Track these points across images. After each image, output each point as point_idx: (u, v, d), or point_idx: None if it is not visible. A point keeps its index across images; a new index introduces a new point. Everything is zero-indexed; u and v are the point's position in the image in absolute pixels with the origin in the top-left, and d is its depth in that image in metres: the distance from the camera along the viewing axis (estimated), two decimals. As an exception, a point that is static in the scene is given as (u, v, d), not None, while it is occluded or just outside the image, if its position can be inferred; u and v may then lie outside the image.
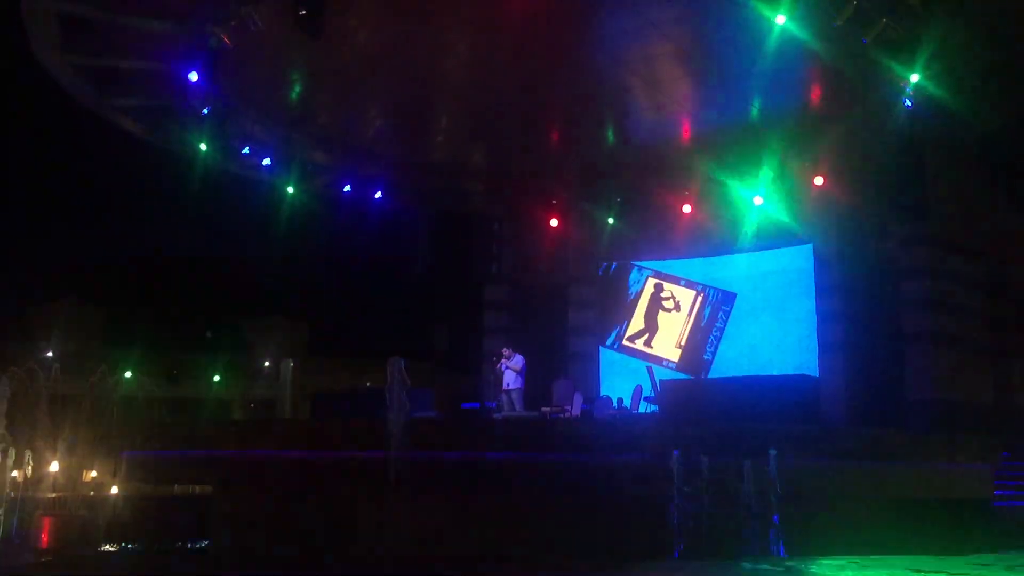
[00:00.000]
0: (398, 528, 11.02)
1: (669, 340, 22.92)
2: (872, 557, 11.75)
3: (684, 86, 17.86)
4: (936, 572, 10.77)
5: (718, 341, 22.46)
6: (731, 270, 22.31)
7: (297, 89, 18.81)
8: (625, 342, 23.31)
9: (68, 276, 38.31)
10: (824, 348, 20.14)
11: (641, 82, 17.59)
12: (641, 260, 23.40)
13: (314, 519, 12.55)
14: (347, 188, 22.04)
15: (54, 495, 13.82)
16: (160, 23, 15.50)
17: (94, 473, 17.17)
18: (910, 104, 16.01)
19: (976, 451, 14.59)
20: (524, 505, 12.21)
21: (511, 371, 18.14)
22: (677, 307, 23.15)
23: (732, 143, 19.77)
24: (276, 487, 13.06)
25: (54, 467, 14.31)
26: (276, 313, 43.43)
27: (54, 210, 35.19)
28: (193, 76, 16.03)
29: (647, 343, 23.08)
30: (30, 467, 14.50)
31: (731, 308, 22.51)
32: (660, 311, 23.34)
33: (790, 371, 19.97)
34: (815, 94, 17.83)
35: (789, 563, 11.02)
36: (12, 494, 13.86)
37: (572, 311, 23.62)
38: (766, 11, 13.94)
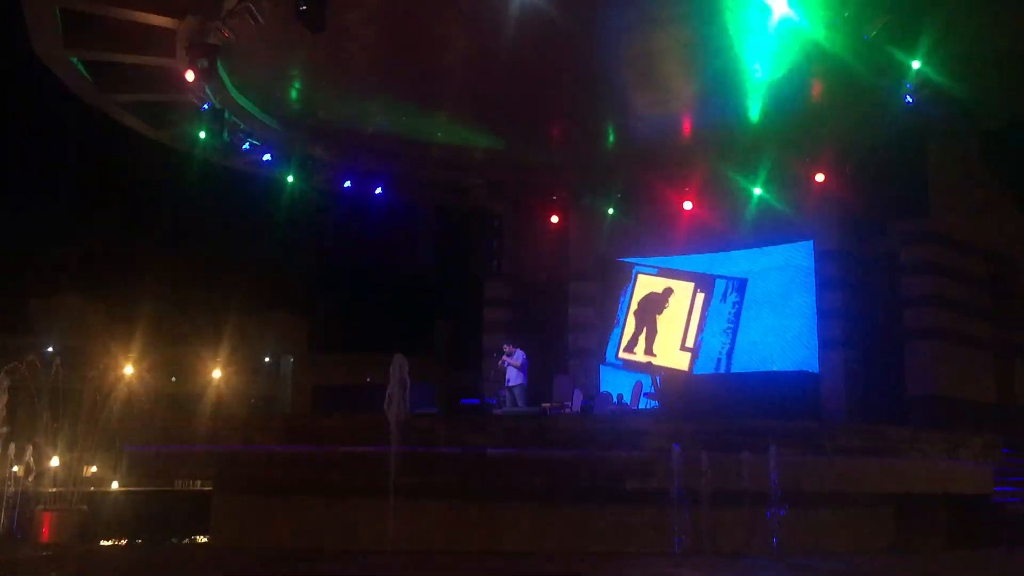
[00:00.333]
0: (398, 523, 11.02)
1: (672, 343, 22.54)
2: (872, 554, 11.77)
3: (685, 82, 17.80)
4: (936, 569, 10.78)
5: (732, 340, 21.95)
6: (732, 266, 22.29)
7: (298, 84, 18.80)
8: (623, 354, 22.92)
9: (69, 270, 38.36)
10: (825, 344, 20.15)
11: (642, 78, 17.55)
12: (642, 256, 23.37)
13: (314, 514, 12.56)
14: (348, 184, 22.03)
15: (54, 490, 13.82)
16: (161, 18, 15.48)
17: (95, 468, 17.20)
18: (911, 100, 15.99)
19: (977, 447, 14.57)
20: (524, 501, 12.21)
21: (512, 367, 18.14)
22: (667, 301, 22.90)
23: (733, 139, 19.76)
24: (276, 482, 13.06)
25: (54, 462, 14.31)
26: (276, 308, 43.44)
27: (55, 204, 35.18)
28: (189, 76, 16.01)
29: (648, 350, 22.70)
30: (31, 461, 14.51)
31: (742, 299, 22.04)
32: (656, 311, 23.06)
33: (791, 367, 20.01)
34: (816, 89, 17.78)
35: (788, 558, 11.03)
36: (12, 489, 13.87)
37: (572, 307, 23.62)
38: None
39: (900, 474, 12.98)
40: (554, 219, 23.14)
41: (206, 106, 17.45)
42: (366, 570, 10.24)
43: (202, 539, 14.60)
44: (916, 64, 14.76)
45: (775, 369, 20.55)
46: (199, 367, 40.90)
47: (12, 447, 14.13)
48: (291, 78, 18.44)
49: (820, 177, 19.70)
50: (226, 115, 18.07)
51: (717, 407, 14.64)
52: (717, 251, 22.46)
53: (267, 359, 43.56)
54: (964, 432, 15.29)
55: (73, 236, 36.93)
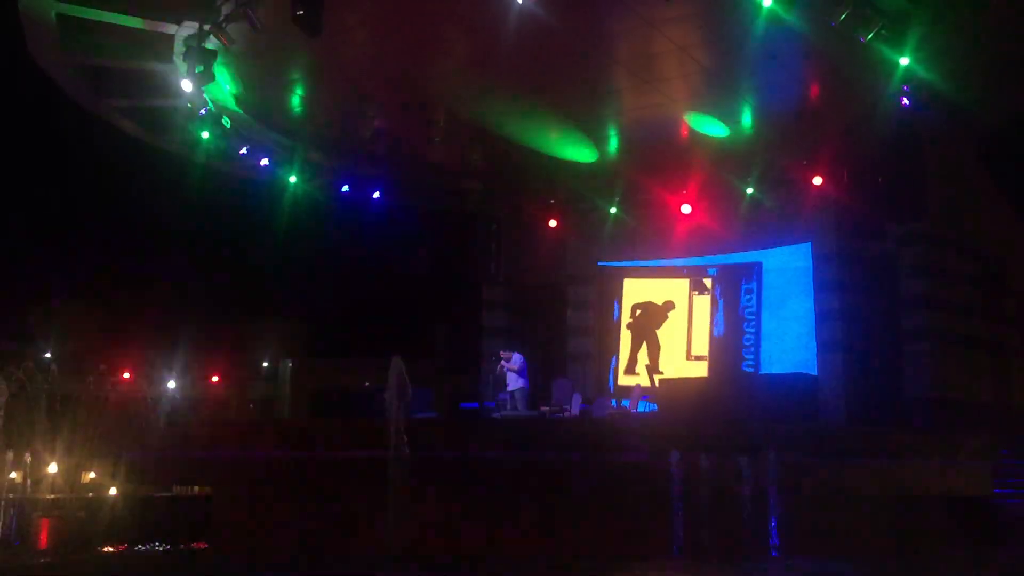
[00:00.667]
0: (397, 528, 11.01)
1: (678, 355, 22.16)
2: (872, 556, 11.77)
3: (681, 85, 17.80)
4: (935, 571, 10.78)
5: (756, 335, 21.40)
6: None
7: (295, 89, 18.79)
8: (624, 379, 22.22)
9: (66, 276, 38.26)
10: (823, 346, 20.14)
11: (639, 81, 17.55)
12: (639, 260, 23.35)
13: (313, 519, 12.55)
14: (345, 188, 22.02)
15: (52, 496, 13.80)
16: (158, 24, 15.47)
17: (93, 474, 17.14)
18: (908, 102, 16.01)
19: (975, 449, 14.60)
20: (523, 505, 12.20)
21: (511, 372, 18.14)
22: (666, 314, 22.63)
23: (730, 142, 19.77)
24: (275, 487, 13.05)
25: (52, 468, 14.29)
26: (274, 313, 43.38)
27: (51, 210, 35.12)
28: (187, 85, 16.00)
29: (654, 368, 22.22)
30: (29, 468, 14.49)
31: (759, 285, 21.56)
32: (655, 325, 22.65)
33: (789, 369, 20.00)
34: (812, 92, 17.81)
35: (789, 562, 11.03)
36: (11, 495, 13.85)
37: (571, 311, 23.63)
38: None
39: (899, 476, 13.00)
40: (552, 223, 23.13)
41: (203, 111, 17.44)
42: (366, 575, 10.24)
43: (202, 545, 14.58)
44: (904, 60, 14.71)
45: (773, 372, 20.57)
46: (197, 372, 40.84)
47: (10, 454, 14.12)
48: (288, 83, 18.43)
49: (818, 180, 19.70)
50: (223, 120, 18.06)
51: (716, 410, 14.64)
52: (715, 254, 22.46)
53: (266, 364, 43.48)
54: (963, 433, 15.33)
55: (70, 241, 36.85)
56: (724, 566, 10.94)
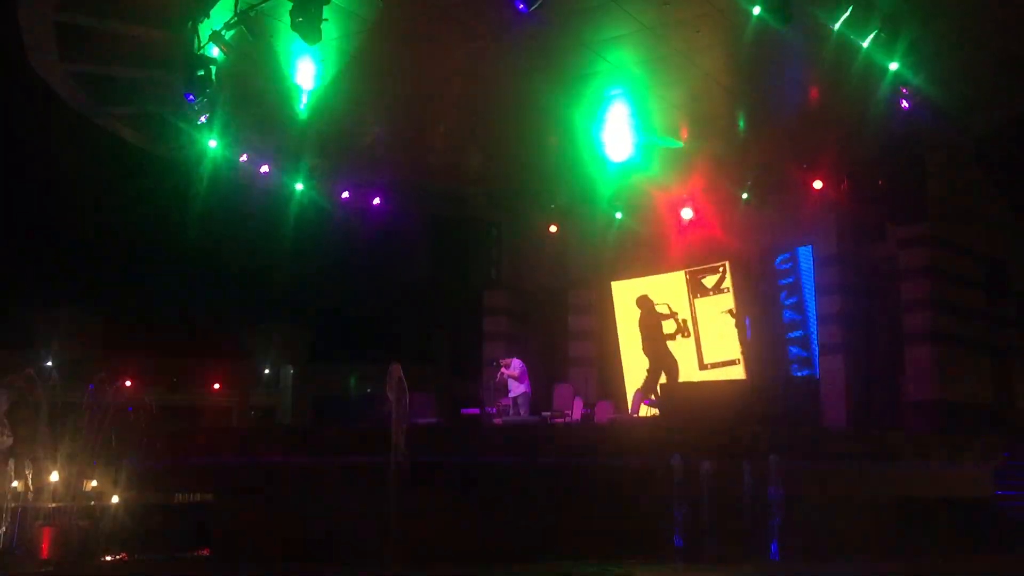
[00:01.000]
0: (399, 534, 11.01)
1: (689, 367, 21.48)
2: (874, 559, 11.76)
3: (680, 89, 17.83)
4: (937, 573, 10.77)
5: (806, 323, 20.75)
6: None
7: (294, 96, 18.80)
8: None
9: (67, 284, 38.26)
10: (824, 349, 20.13)
11: (636, 84, 17.58)
12: (637, 264, 23.32)
13: (315, 525, 12.55)
14: (346, 194, 22.03)
15: (54, 505, 13.77)
16: (157, 32, 15.50)
17: (95, 482, 17.14)
18: (907, 104, 16.02)
19: (977, 451, 14.59)
20: (524, 509, 12.20)
21: (512, 379, 18.14)
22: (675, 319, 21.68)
23: (730, 146, 19.78)
24: (277, 494, 13.05)
25: (54, 477, 14.27)
26: (276, 319, 43.37)
27: (51, 217, 35.14)
28: (191, 100, 15.98)
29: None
30: (30, 476, 14.47)
31: (797, 263, 21.02)
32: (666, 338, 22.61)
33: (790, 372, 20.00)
34: (811, 95, 17.83)
35: (790, 565, 11.02)
36: (13, 504, 13.83)
37: (572, 316, 23.63)
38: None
39: (901, 479, 12.99)
40: (553, 228, 23.13)
41: (203, 119, 17.45)
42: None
43: (204, 552, 14.56)
44: (900, 63, 14.74)
45: (775, 375, 20.56)
46: (199, 379, 40.84)
47: (12, 462, 14.11)
48: (287, 90, 18.44)
49: (818, 184, 19.71)
50: (223, 128, 18.06)
51: (717, 414, 14.63)
52: (716, 260, 22.43)
53: (267, 370, 43.45)
54: (964, 436, 15.31)
55: (70, 249, 36.85)
56: (725, 569, 10.93)
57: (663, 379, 18.20)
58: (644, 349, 20.03)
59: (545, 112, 18.51)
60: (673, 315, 21.72)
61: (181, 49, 15.44)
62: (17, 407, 13.86)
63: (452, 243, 25.33)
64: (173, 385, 38.70)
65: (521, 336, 24.00)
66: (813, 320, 20.66)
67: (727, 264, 21.87)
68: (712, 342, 21.86)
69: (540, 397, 19.10)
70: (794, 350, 21.01)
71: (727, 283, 21.89)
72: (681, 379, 20.71)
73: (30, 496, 14.39)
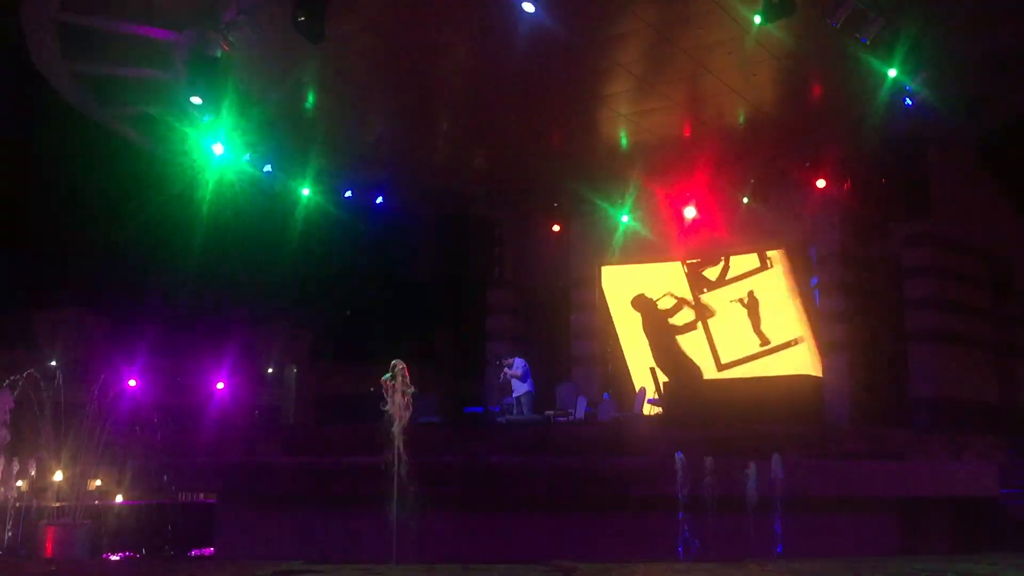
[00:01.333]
0: (401, 533, 11.00)
1: (707, 368, 21.82)
2: (878, 558, 11.73)
3: (682, 87, 17.81)
4: (942, 572, 10.73)
5: None
6: (736, 269, 22.28)
7: (298, 95, 18.81)
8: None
9: (71, 284, 38.37)
10: (827, 347, 20.12)
11: (639, 82, 17.56)
12: (641, 262, 23.33)
13: (318, 525, 12.55)
14: (348, 193, 22.05)
15: (58, 504, 13.79)
16: (160, 31, 15.51)
17: (99, 482, 17.16)
18: (911, 103, 16.00)
19: (981, 449, 14.57)
20: (528, 509, 12.19)
21: (514, 378, 18.14)
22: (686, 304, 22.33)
23: (733, 144, 19.76)
24: (280, 493, 13.05)
25: (58, 476, 14.29)
26: (279, 319, 43.44)
27: (55, 218, 35.20)
28: (196, 100, 16.00)
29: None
30: (34, 476, 14.50)
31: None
32: (675, 331, 22.45)
33: (794, 372, 19.99)
34: (813, 94, 17.82)
35: (794, 564, 11.00)
36: (16, 503, 13.85)
37: (575, 314, 23.62)
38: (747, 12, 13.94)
39: (905, 477, 12.97)
40: (555, 227, 23.13)
41: (207, 118, 17.45)
42: None
43: (207, 551, 14.58)
44: (893, 73, 14.77)
45: (778, 374, 20.55)
46: (202, 378, 40.90)
47: (16, 461, 14.13)
48: (291, 89, 18.45)
49: (821, 183, 19.71)
50: (226, 127, 18.08)
51: (721, 413, 14.64)
52: (719, 256, 22.44)
53: (270, 370, 43.52)
54: (968, 434, 15.29)
55: (74, 249, 36.94)
56: (729, 568, 10.91)
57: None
58: (656, 360, 20.05)
59: (550, 109, 18.55)
60: (681, 301, 21.76)
61: (184, 49, 15.46)
62: (22, 406, 13.86)
63: (455, 242, 25.35)
64: (177, 385, 38.75)
65: (524, 334, 24.01)
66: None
67: (727, 257, 21.98)
68: (727, 340, 21.89)
69: (543, 396, 19.10)
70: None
71: (732, 273, 21.97)
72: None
73: (34, 495, 14.42)
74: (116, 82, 17.46)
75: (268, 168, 20.19)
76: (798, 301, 21.02)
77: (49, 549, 12.61)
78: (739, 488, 11.42)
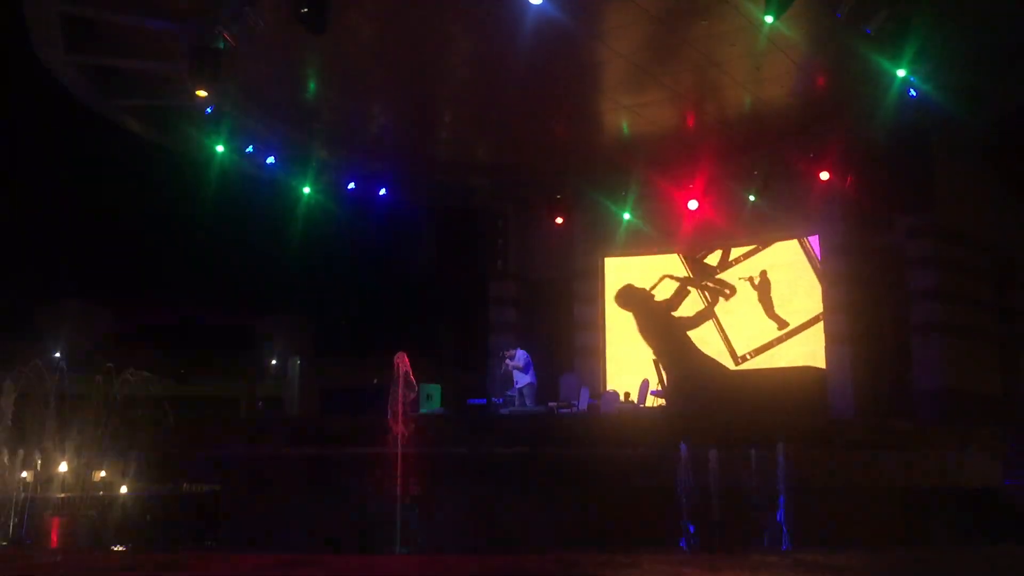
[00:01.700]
0: (405, 524, 11.03)
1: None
2: (881, 548, 11.73)
3: (686, 78, 17.78)
4: (944, 563, 10.74)
5: None
6: (740, 268, 22.27)
7: (301, 86, 18.81)
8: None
9: (75, 275, 38.35)
10: (831, 339, 20.12)
11: (642, 73, 17.54)
12: (643, 254, 23.31)
13: (322, 516, 12.57)
14: (351, 185, 22.05)
15: (63, 495, 13.82)
16: (163, 23, 15.50)
17: (103, 473, 17.17)
18: (914, 94, 15.96)
19: (985, 440, 14.55)
20: (531, 500, 12.21)
21: (516, 370, 18.16)
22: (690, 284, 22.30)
23: (736, 135, 19.74)
24: (284, 484, 13.08)
25: (63, 467, 14.32)
26: (283, 311, 43.45)
27: (60, 209, 35.20)
28: (201, 93, 15.94)
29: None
30: (39, 467, 14.52)
31: None
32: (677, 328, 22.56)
33: (797, 362, 19.98)
34: (817, 86, 17.78)
35: (797, 555, 11.01)
36: (22, 495, 13.88)
37: (577, 306, 23.63)
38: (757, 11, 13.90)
39: (908, 468, 12.96)
40: (558, 219, 23.14)
41: (209, 110, 17.45)
42: (375, 571, 10.24)
43: (211, 542, 14.59)
44: (901, 72, 14.76)
45: (782, 365, 20.55)
46: (207, 370, 40.92)
47: (21, 453, 14.15)
48: (294, 80, 18.45)
49: (825, 175, 19.70)
50: (229, 119, 18.08)
51: (724, 404, 14.63)
52: (721, 247, 22.45)
53: (274, 361, 43.54)
54: (972, 425, 15.27)
55: (78, 240, 36.92)
56: (732, 558, 10.92)
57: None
58: (660, 354, 19.98)
59: (552, 100, 18.53)
60: (685, 283, 21.69)
61: (188, 40, 15.45)
62: (26, 398, 13.88)
63: (458, 234, 25.34)
64: (181, 376, 38.80)
65: (527, 326, 24.02)
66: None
67: (728, 249, 22.02)
68: (740, 332, 21.88)
69: (546, 387, 19.11)
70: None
71: (733, 257, 22.00)
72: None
73: (39, 486, 14.44)
74: (119, 74, 17.46)
75: (271, 160, 20.18)
76: (813, 278, 20.98)
77: (54, 540, 12.64)
78: (743, 479, 11.43)
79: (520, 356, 18.29)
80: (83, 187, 32.52)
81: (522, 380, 18.23)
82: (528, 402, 17.98)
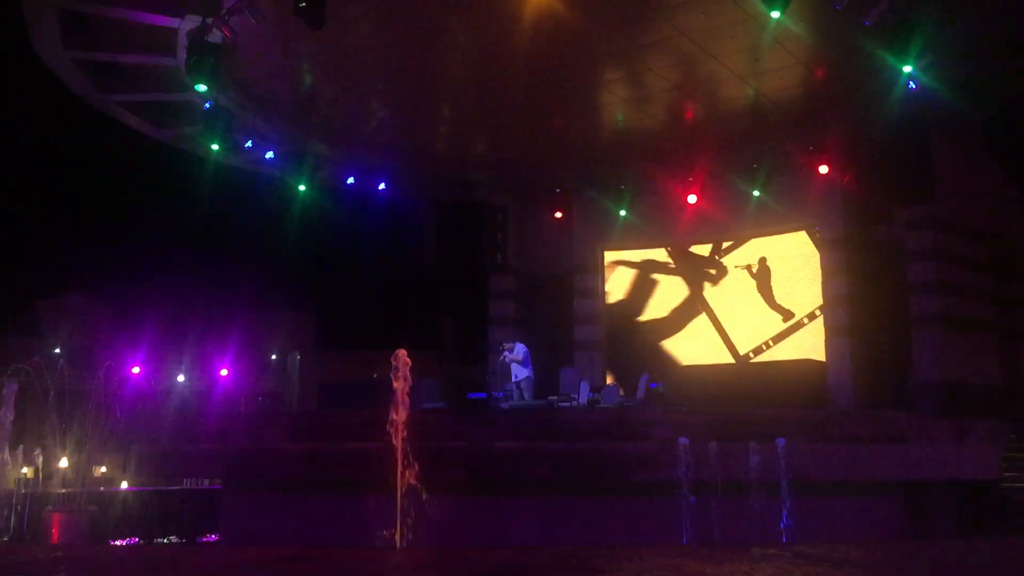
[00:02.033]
0: (405, 518, 11.03)
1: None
2: (881, 541, 11.75)
3: (684, 72, 17.76)
4: (944, 556, 10.76)
5: None
6: (738, 256, 22.25)
7: (299, 81, 18.78)
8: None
9: (74, 271, 38.38)
10: (831, 332, 20.11)
11: (641, 68, 17.52)
12: (643, 247, 23.32)
13: (322, 510, 12.58)
14: (351, 180, 22.02)
15: (64, 491, 13.85)
16: (161, 18, 15.47)
17: (103, 468, 17.20)
18: (914, 86, 15.94)
19: (984, 433, 14.55)
20: (531, 494, 12.21)
21: (515, 362, 18.13)
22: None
23: (735, 129, 19.72)
24: (284, 479, 13.08)
25: (63, 463, 14.36)
26: (283, 306, 43.47)
27: (58, 204, 35.24)
28: (201, 87, 15.92)
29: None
30: (40, 463, 14.56)
31: None
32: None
33: (797, 355, 19.98)
34: (816, 78, 17.76)
35: (798, 548, 11.02)
36: (22, 490, 13.91)
37: (577, 300, 23.63)
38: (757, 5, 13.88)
39: (908, 461, 12.97)
40: (558, 213, 23.12)
41: (208, 104, 17.42)
42: (375, 566, 10.25)
43: (212, 538, 14.63)
44: (907, 68, 14.72)
45: (781, 358, 20.55)
46: (206, 366, 40.95)
47: (21, 448, 14.19)
48: (293, 75, 18.43)
49: (824, 169, 19.69)
50: (228, 113, 18.05)
51: (725, 397, 14.63)
52: (722, 241, 22.44)
53: (274, 356, 43.55)
54: (971, 418, 15.27)
55: (78, 236, 36.95)
56: (732, 552, 10.93)
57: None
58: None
59: (551, 94, 18.51)
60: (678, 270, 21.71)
61: (185, 35, 15.42)
62: (26, 394, 13.90)
63: (458, 228, 25.31)
64: (180, 372, 38.83)
65: (527, 320, 24.03)
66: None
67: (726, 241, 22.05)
68: (740, 325, 21.85)
69: (546, 381, 19.10)
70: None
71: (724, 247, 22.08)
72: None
73: (39, 482, 14.48)
74: (117, 69, 17.42)
75: (270, 155, 20.15)
76: (815, 266, 20.99)
77: (55, 535, 12.66)
78: (743, 472, 11.43)
79: (519, 349, 18.26)
80: (81, 182, 32.52)
81: (520, 373, 18.20)
82: (526, 395, 17.95)
